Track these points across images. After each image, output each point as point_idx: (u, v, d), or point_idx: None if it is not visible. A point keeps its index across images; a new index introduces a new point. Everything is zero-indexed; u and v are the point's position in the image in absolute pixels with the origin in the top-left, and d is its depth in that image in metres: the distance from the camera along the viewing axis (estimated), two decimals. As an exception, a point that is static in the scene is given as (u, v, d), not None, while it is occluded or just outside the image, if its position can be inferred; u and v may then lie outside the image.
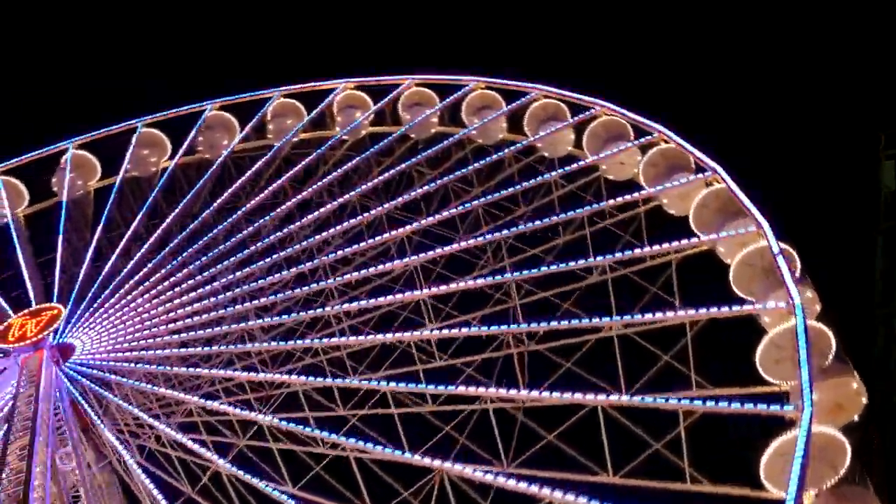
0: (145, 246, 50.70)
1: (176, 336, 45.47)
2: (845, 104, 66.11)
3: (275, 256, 48.26)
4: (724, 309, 38.88)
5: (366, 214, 48.75)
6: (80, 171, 57.67)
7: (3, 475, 38.34)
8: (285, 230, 49.70)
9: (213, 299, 46.53)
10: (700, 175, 44.42)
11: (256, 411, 42.67)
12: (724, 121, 68.30)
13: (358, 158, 53.28)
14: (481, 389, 38.90)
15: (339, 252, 47.40)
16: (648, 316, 39.67)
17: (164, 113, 58.42)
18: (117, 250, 50.77)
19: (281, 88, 58.16)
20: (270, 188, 52.78)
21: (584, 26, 78.77)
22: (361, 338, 43.54)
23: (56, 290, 49.17)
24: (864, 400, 37.28)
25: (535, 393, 37.90)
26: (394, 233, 47.13)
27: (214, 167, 55.48)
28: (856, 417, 36.79)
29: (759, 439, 34.89)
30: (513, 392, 38.42)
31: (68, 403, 44.07)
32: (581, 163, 49.00)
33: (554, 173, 48.74)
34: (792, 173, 67.08)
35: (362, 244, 47.56)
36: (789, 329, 36.64)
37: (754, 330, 39.04)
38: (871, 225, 58.98)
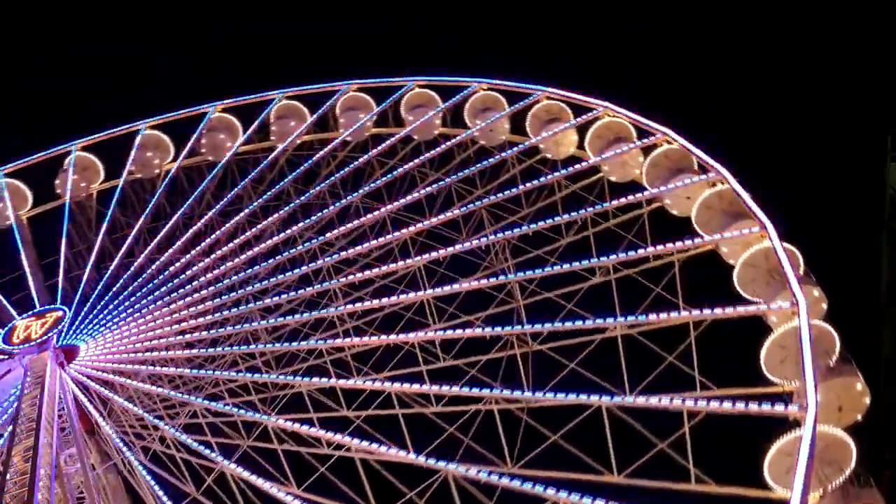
0: (149, 247, 50.80)
1: (181, 337, 45.46)
2: (853, 105, 65.95)
3: (279, 258, 48.22)
4: (729, 310, 38.81)
5: (369, 216, 48.66)
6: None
7: (8, 477, 38.35)
8: (289, 231, 49.68)
9: (217, 300, 46.48)
10: (704, 176, 44.37)
11: (261, 413, 42.55)
12: (730, 121, 68.43)
13: (361, 160, 53.28)
14: (485, 391, 38.70)
15: (343, 253, 47.30)
16: (653, 317, 39.61)
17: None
18: (121, 251, 50.85)
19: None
20: (273, 190, 52.92)
21: (587, 27, 79.05)
22: (366, 338, 43.51)
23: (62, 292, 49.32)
24: (868, 401, 36.93)
25: (539, 394, 37.81)
26: (398, 234, 47.00)
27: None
28: (859, 418, 36.68)
29: (763, 440, 35.03)
30: (517, 393, 38.28)
31: (73, 405, 44.12)
32: (583, 164, 48.97)
33: (556, 174, 48.67)
34: (799, 173, 67.04)
35: (366, 245, 47.49)
36: (793, 329, 36.71)
37: (759, 330, 39.21)
38: (877, 225, 58.60)
